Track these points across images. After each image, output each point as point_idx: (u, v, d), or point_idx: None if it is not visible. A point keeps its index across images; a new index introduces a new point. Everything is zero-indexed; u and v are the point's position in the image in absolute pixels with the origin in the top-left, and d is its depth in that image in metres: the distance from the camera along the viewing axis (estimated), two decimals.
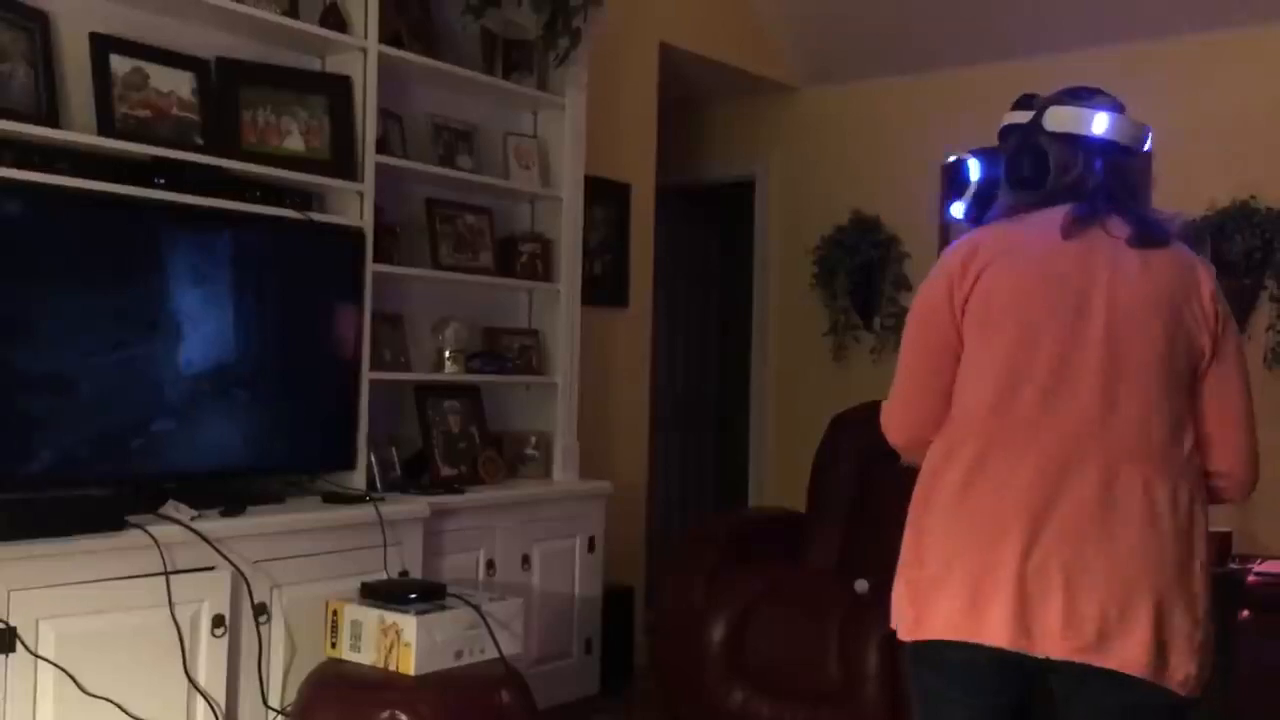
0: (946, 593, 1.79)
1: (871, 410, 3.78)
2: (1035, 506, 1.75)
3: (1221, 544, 3.33)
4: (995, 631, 1.74)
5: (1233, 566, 3.29)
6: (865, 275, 5.33)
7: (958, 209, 2.06)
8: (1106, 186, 1.88)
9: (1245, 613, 2.91)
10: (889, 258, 5.29)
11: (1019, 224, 1.91)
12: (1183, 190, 4.49)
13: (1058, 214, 1.87)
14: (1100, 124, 1.89)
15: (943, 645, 1.81)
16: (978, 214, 2.01)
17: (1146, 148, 1.96)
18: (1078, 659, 1.72)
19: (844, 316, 5.40)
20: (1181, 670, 1.73)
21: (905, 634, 1.88)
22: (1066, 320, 1.81)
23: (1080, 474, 1.75)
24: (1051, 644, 1.72)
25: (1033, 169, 1.91)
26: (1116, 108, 1.93)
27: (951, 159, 2.07)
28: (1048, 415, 1.78)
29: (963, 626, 1.77)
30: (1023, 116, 1.97)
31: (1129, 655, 1.70)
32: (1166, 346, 1.79)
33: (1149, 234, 1.86)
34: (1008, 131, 1.98)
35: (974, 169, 2.02)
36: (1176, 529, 1.75)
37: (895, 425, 1.99)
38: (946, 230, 5.11)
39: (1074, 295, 1.82)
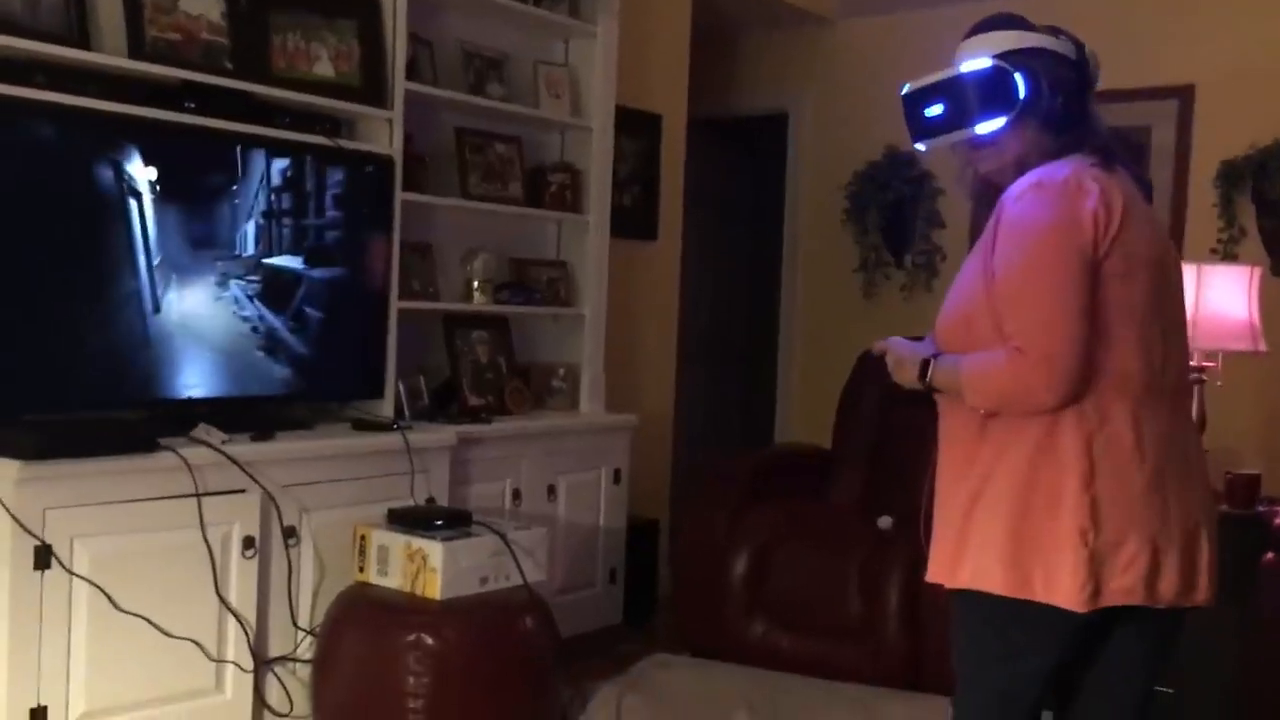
0: (1133, 559, 1.78)
1: None
2: (1164, 465, 1.81)
3: (1250, 486, 3.31)
4: (1166, 592, 1.81)
5: (1260, 509, 3.27)
6: (897, 212, 5.27)
7: (991, 126, 1.88)
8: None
9: (1270, 555, 2.90)
10: (922, 194, 5.22)
11: (1111, 172, 1.85)
12: (1225, 129, 4.41)
13: (1091, 162, 1.85)
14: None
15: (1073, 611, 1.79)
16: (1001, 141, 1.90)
17: None
18: (1179, 603, 1.83)
19: (875, 253, 5.35)
20: (1206, 588, 1.87)
21: (1079, 604, 1.76)
22: (1163, 276, 1.86)
23: (1180, 429, 1.86)
24: (1171, 595, 1.82)
25: (1084, 112, 1.91)
26: None
27: (984, 65, 1.89)
28: (1166, 374, 1.84)
29: (1140, 591, 1.79)
30: (1064, 47, 1.90)
31: (1195, 594, 1.85)
32: (1182, 295, 1.93)
33: (1146, 188, 1.93)
34: (1046, 57, 1.88)
35: (1020, 86, 1.86)
36: (1201, 465, 1.90)
37: (1070, 377, 1.74)
38: None
39: (1162, 249, 1.87)
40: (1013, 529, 1.78)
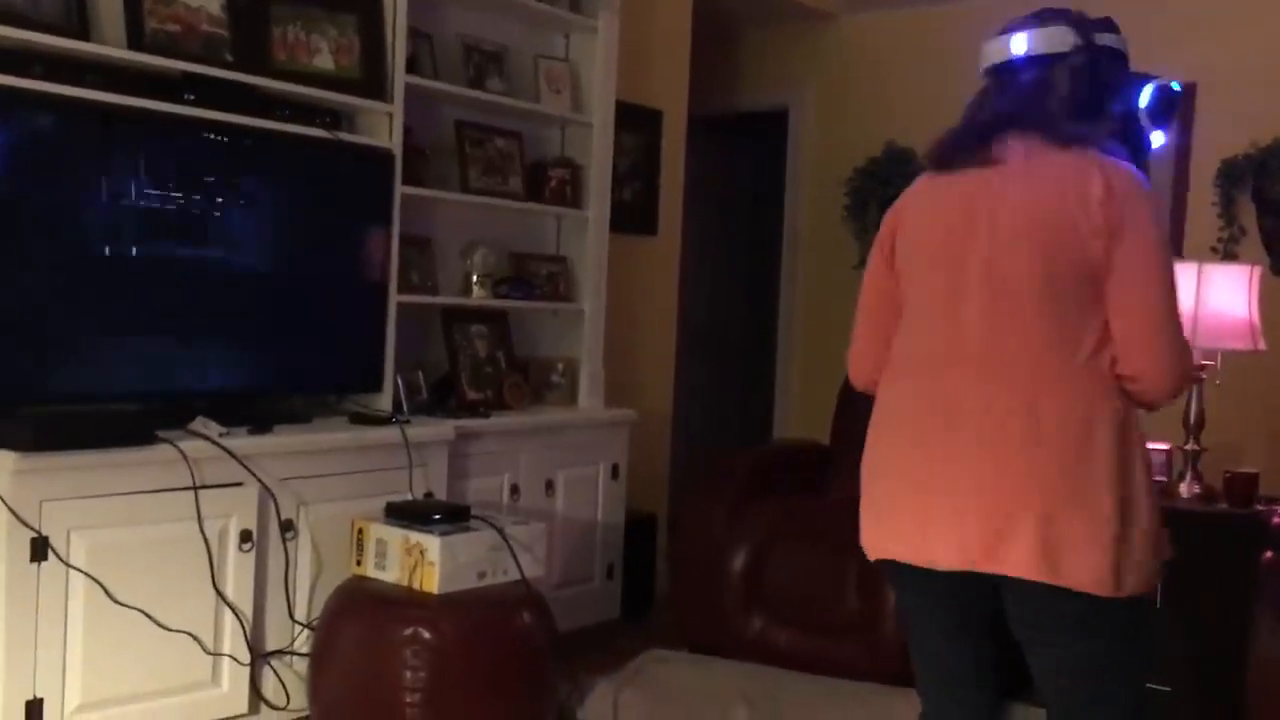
0: (878, 517, 1.99)
1: None
2: (939, 430, 1.87)
3: (1248, 485, 3.30)
4: (939, 554, 1.88)
5: (1258, 508, 3.27)
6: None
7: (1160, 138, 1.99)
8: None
9: (1269, 553, 2.90)
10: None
11: (941, 172, 1.99)
12: (1225, 128, 4.41)
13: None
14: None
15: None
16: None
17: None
18: (969, 568, 1.84)
19: None
20: (1085, 570, 1.77)
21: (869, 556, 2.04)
22: (963, 263, 1.90)
23: (992, 396, 1.83)
24: (949, 558, 1.85)
25: None
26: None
27: (1170, 83, 1.99)
28: (968, 347, 1.87)
29: (894, 549, 1.95)
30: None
31: (1013, 561, 1.80)
32: (1043, 263, 1.81)
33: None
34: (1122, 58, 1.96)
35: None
36: (1067, 441, 1.79)
37: (855, 365, 2.13)
38: None
39: (964, 235, 1.92)
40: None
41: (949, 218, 1.92)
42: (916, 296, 1.95)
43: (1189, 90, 4.46)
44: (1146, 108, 1.93)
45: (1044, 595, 1.80)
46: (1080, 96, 1.88)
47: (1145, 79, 1.95)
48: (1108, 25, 1.93)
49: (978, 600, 1.92)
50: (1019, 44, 1.92)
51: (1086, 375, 1.80)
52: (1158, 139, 1.97)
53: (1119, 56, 1.94)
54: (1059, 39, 1.90)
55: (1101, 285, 1.80)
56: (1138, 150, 1.95)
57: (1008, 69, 1.94)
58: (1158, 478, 3.43)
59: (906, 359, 1.96)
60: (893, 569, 1.96)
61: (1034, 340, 1.81)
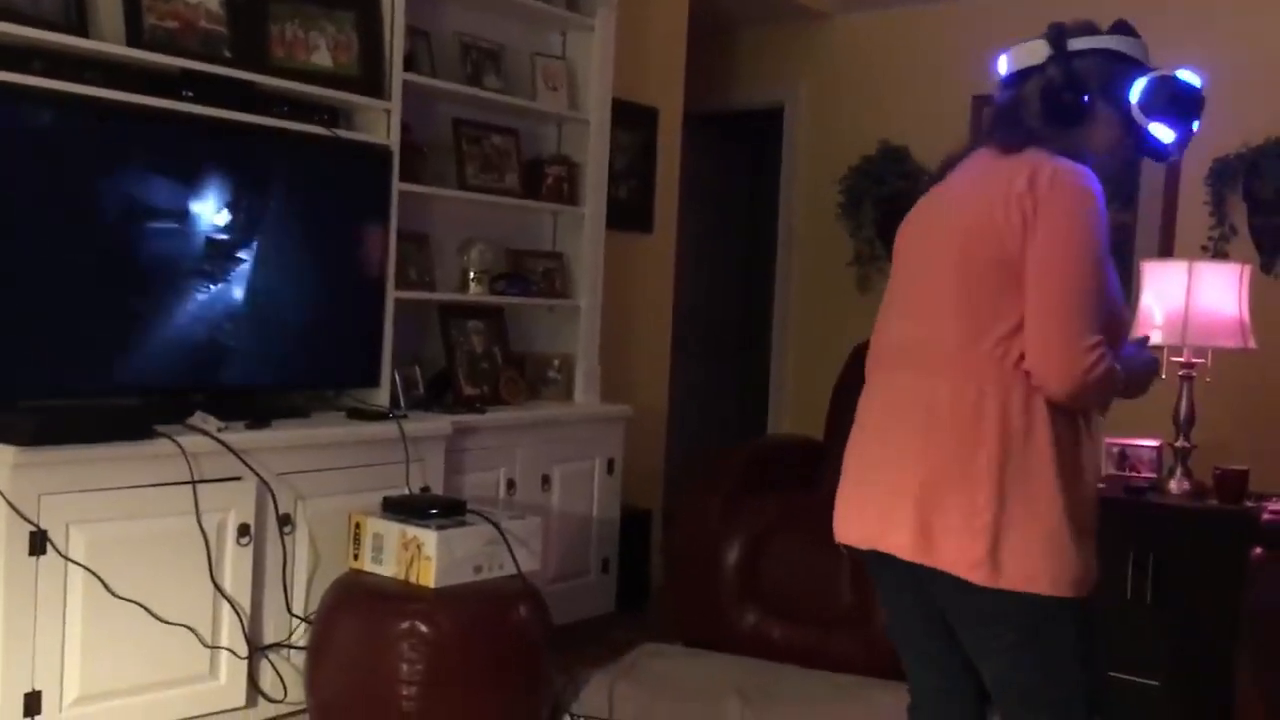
0: (840, 500, 2.04)
1: None
2: (880, 420, 1.95)
3: (1238, 482, 3.33)
4: (859, 533, 1.96)
5: (1248, 504, 3.29)
6: (892, 206, 5.28)
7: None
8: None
9: (1258, 550, 2.92)
10: (916, 189, 5.20)
11: (948, 173, 2.04)
12: (1216, 128, 4.42)
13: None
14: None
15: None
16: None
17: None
18: (865, 545, 1.94)
19: (869, 247, 5.37)
20: (961, 554, 1.79)
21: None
22: (918, 258, 1.98)
23: (915, 389, 1.88)
24: (852, 535, 1.96)
25: None
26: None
27: (1173, 75, 1.96)
28: (903, 343, 1.95)
29: (840, 529, 2.02)
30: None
31: (895, 540, 1.86)
32: (958, 254, 1.86)
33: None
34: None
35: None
36: (956, 425, 1.82)
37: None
38: None
39: (928, 228, 2.00)
40: None
41: (914, 225, 2.03)
42: (886, 296, 2.06)
43: None
44: (1140, 102, 1.92)
45: (950, 586, 1.83)
46: (1053, 106, 1.90)
47: (1146, 73, 1.93)
48: (1090, 28, 1.95)
49: (930, 588, 1.92)
50: (1002, 65, 1.99)
51: (988, 363, 1.82)
52: (1164, 133, 1.94)
53: (1111, 56, 1.93)
54: (1032, 53, 1.94)
55: (1023, 280, 1.81)
56: (1142, 147, 1.97)
57: (999, 89, 2.01)
58: (1145, 474, 3.49)
59: (871, 354, 2.05)
60: (855, 553, 2.02)
61: (946, 330, 1.86)
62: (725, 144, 6.36)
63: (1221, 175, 4.45)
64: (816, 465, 3.98)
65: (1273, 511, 3.15)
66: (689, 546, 3.69)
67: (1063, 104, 1.90)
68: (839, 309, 5.47)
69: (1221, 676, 2.98)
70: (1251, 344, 3.41)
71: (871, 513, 1.92)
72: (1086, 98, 1.90)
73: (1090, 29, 1.95)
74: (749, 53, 5.85)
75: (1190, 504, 3.34)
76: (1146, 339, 2.15)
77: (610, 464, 4.04)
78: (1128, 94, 1.93)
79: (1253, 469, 3.42)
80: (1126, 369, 1.88)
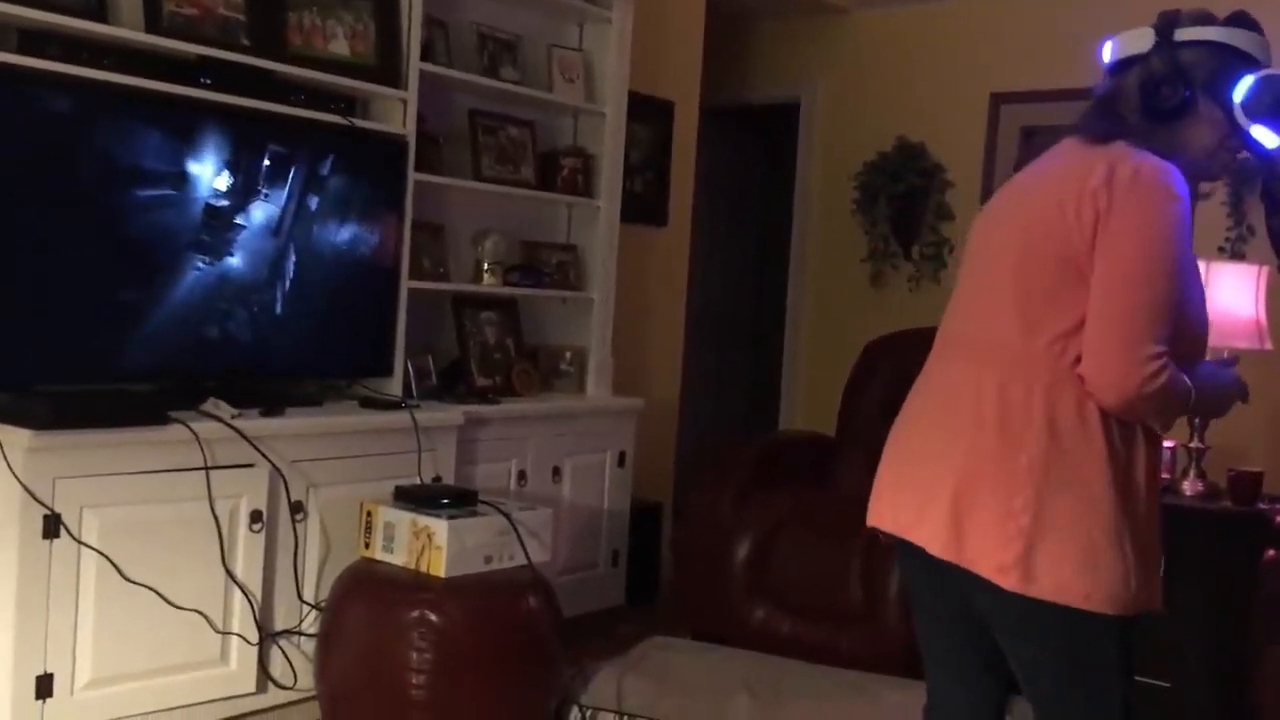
0: (875, 486, 2.00)
1: (907, 338, 3.80)
2: (923, 408, 1.92)
3: (1252, 483, 3.32)
4: (895, 518, 1.92)
5: (1262, 506, 3.28)
6: (907, 203, 5.27)
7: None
8: None
9: (1271, 551, 2.91)
10: (932, 186, 5.23)
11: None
12: None
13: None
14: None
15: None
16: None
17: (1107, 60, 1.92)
18: (897, 533, 1.90)
19: (883, 244, 5.36)
20: (990, 555, 1.73)
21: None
22: (983, 245, 1.93)
23: (967, 378, 1.84)
24: (885, 521, 1.92)
25: None
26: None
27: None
28: (962, 329, 1.91)
29: (874, 514, 1.98)
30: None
31: (927, 534, 1.81)
32: (1020, 249, 1.80)
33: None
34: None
35: None
36: (1000, 423, 1.76)
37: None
38: (992, 160, 5.04)
39: (998, 218, 1.94)
40: None
41: (989, 214, 1.96)
42: (956, 284, 1.99)
43: None
44: (1243, 102, 1.79)
45: (980, 587, 1.76)
46: (1151, 99, 1.80)
47: (1257, 71, 1.80)
48: (1205, 18, 1.83)
49: (962, 586, 1.86)
50: (1106, 52, 1.89)
51: (1041, 361, 1.75)
52: (1267, 137, 1.81)
53: (1221, 50, 1.81)
54: (1137, 40, 1.84)
55: (1088, 278, 1.74)
56: (1246, 148, 1.86)
57: (1102, 78, 1.90)
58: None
59: (935, 343, 1.99)
60: (887, 539, 1.97)
61: (1002, 323, 1.80)
62: (741, 138, 6.35)
63: (1240, 175, 4.42)
64: (828, 461, 3.98)
65: None
66: (699, 540, 3.69)
67: (1161, 97, 1.79)
68: (852, 305, 5.46)
69: (1233, 679, 2.97)
70: (1268, 345, 3.40)
71: (907, 502, 1.88)
72: (1189, 92, 1.79)
73: (1205, 19, 1.83)
74: (766, 47, 5.84)
75: (1204, 505, 3.33)
76: (1235, 359, 2.04)
77: (621, 457, 4.04)
78: (1229, 92, 1.80)
79: (1268, 471, 3.41)
80: (1199, 387, 1.78)
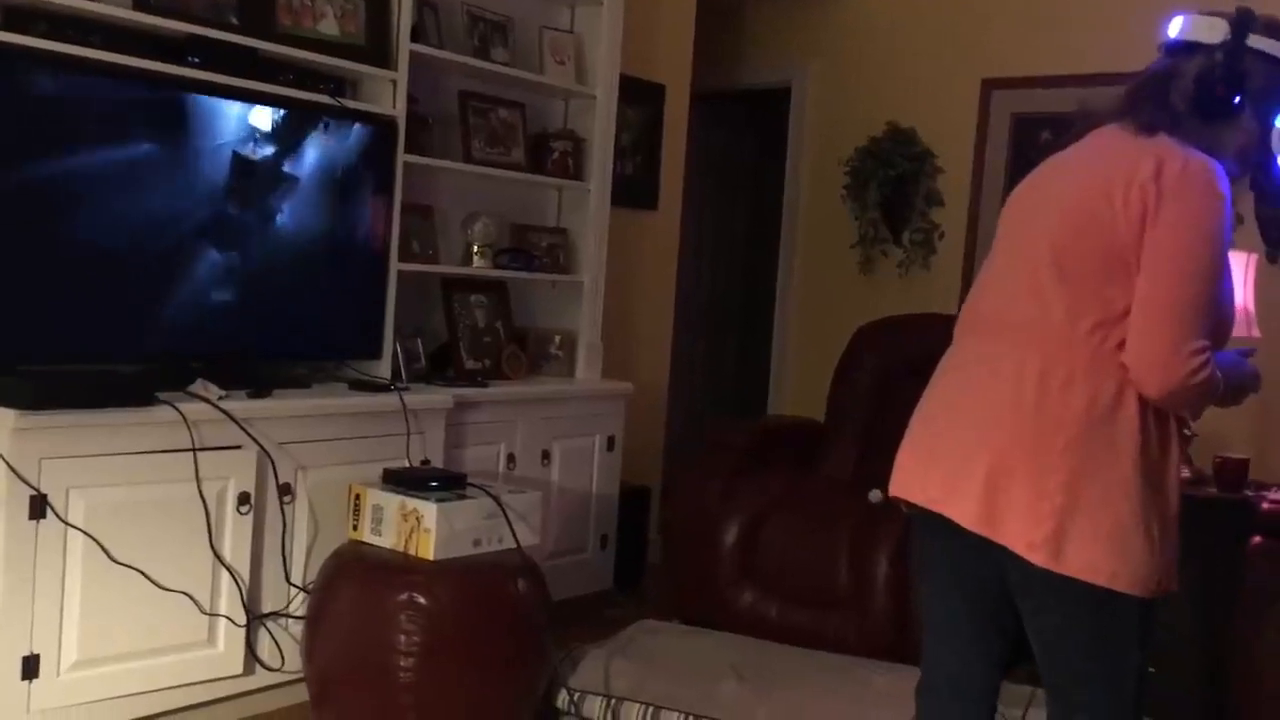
0: (898, 459, 2.01)
1: (896, 323, 3.79)
2: (952, 387, 1.93)
3: (1238, 470, 3.33)
4: (927, 493, 1.91)
5: (1248, 493, 3.30)
6: (897, 188, 5.26)
7: None
8: None
9: (1258, 538, 2.93)
10: (923, 172, 5.22)
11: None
12: None
13: None
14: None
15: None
16: None
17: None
18: (926, 505, 1.90)
19: (873, 229, 5.35)
20: (1024, 533, 1.77)
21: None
22: (1017, 227, 1.94)
23: (996, 357, 1.85)
24: (914, 493, 1.92)
25: None
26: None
27: None
28: (988, 310, 1.92)
29: (900, 485, 1.98)
30: None
31: (960, 508, 1.82)
32: (1068, 232, 1.81)
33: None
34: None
35: None
36: (1040, 405, 1.78)
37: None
38: (983, 146, 5.04)
39: (1034, 202, 1.95)
40: None
41: (1025, 194, 1.96)
42: (986, 262, 1.99)
43: None
44: None
45: (1011, 558, 1.80)
46: (1204, 95, 1.81)
47: None
48: (1278, 31, 1.83)
49: (981, 559, 1.88)
50: (1174, 27, 1.87)
51: (1083, 346, 1.77)
52: None
53: None
54: (1210, 29, 1.83)
55: (1134, 268, 1.76)
56: (1260, 169, 1.89)
57: (1160, 51, 1.89)
58: None
59: (961, 320, 1.99)
60: (911, 510, 1.98)
61: (1044, 307, 1.81)
62: (732, 122, 6.34)
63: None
64: (817, 446, 3.99)
65: (1273, 500, 3.16)
66: (688, 525, 3.70)
67: (1214, 96, 1.80)
68: (842, 290, 5.46)
69: (1219, 664, 2.99)
70: (1256, 333, 3.41)
71: (938, 476, 1.88)
72: (1240, 99, 1.81)
73: (1278, 31, 1.83)
74: (758, 31, 5.82)
75: (1190, 492, 3.34)
76: (1252, 350, 2.04)
77: (610, 441, 4.04)
78: (1272, 113, 1.83)
79: (1253, 458, 3.42)
80: (1226, 378, 1.82)
